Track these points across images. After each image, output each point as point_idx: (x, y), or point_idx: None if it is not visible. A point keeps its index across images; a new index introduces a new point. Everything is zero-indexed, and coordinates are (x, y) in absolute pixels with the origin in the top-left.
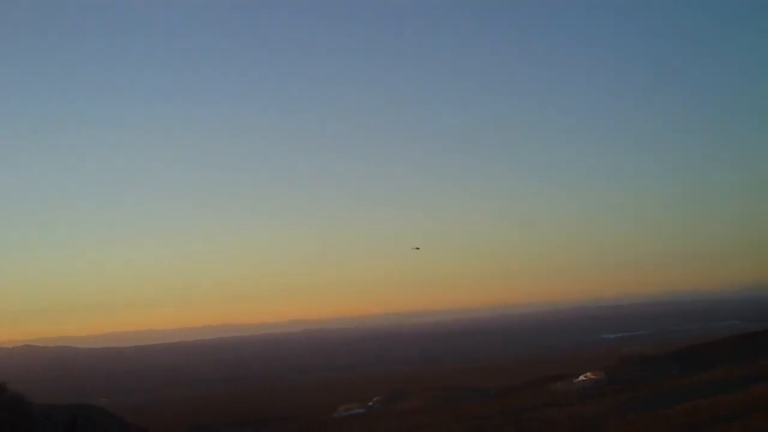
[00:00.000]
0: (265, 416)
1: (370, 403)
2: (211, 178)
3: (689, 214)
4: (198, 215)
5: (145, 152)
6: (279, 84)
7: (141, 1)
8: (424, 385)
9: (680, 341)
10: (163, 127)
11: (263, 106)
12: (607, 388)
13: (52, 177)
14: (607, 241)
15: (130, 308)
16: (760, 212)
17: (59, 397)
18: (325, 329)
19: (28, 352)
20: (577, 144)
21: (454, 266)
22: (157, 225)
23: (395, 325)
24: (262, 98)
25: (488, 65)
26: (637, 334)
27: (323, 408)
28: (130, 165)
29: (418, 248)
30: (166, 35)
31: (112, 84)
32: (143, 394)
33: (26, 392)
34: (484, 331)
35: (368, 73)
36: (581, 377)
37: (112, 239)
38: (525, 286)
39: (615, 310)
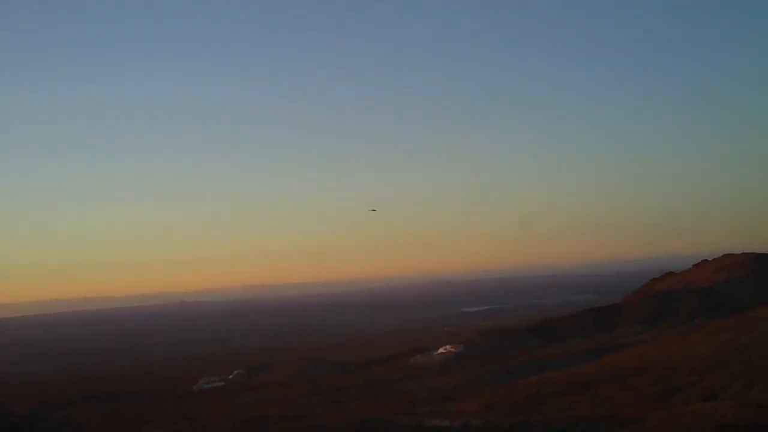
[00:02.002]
0: (120, 391)
1: (230, 376)
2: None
3: (545, 194)
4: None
5: None
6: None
7: None
8: (287, 358)
9: (537, 315)
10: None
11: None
12: (466, 361)
13: None
14: (460, 218)
15: None
16: (618, 193)
17: None
18: (200, 302)
19: None
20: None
21: (322, 239)
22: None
23: (272, 298)
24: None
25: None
26: (496, 308)
27: (183, 381)
28: None
29: (374, 210)
30: None
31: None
32: None
33: None
34: (347, 304)
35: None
36: (441, 350)
37: None
38: (385, 259)
39: (475, 284)
